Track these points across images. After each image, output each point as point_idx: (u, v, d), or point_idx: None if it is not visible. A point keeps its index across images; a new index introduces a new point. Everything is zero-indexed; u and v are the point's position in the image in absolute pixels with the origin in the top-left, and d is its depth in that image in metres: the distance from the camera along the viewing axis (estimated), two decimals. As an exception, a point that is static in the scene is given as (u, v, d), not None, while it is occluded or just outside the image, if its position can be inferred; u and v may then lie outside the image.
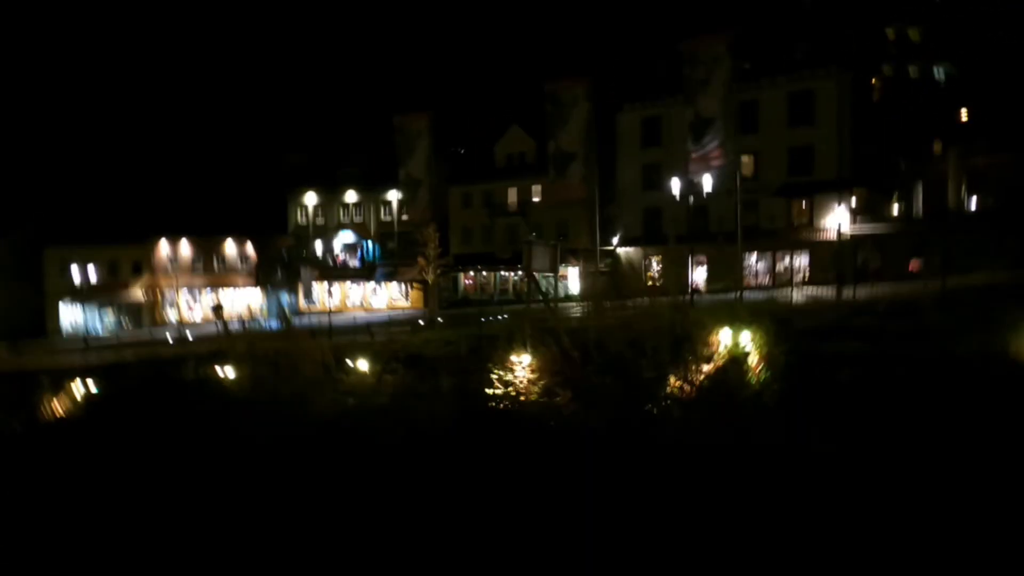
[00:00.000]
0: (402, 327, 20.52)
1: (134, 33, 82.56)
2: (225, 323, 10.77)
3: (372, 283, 44.80)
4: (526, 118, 40.82)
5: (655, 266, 34.09)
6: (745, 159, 29.62)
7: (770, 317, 11.44)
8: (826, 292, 16.01)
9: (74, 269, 48.82)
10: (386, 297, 45.08)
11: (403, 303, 44.42)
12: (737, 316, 11.71)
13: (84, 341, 30.48)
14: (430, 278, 30.39)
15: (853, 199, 29.49)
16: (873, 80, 31.62)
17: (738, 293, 14.04)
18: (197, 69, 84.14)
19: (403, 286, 44.25)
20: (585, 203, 35.75)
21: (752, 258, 31.47)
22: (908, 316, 11.61)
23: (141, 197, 50.82)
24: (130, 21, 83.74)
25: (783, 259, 31.13)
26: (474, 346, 14.53)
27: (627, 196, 34.81)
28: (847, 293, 13.16)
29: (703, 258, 32.98)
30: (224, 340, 11.68)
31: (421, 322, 25.95)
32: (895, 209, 32.26)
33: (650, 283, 34.39)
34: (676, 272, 33.50)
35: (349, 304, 45.14)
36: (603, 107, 33.32)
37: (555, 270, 15.30)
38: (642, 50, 36.60)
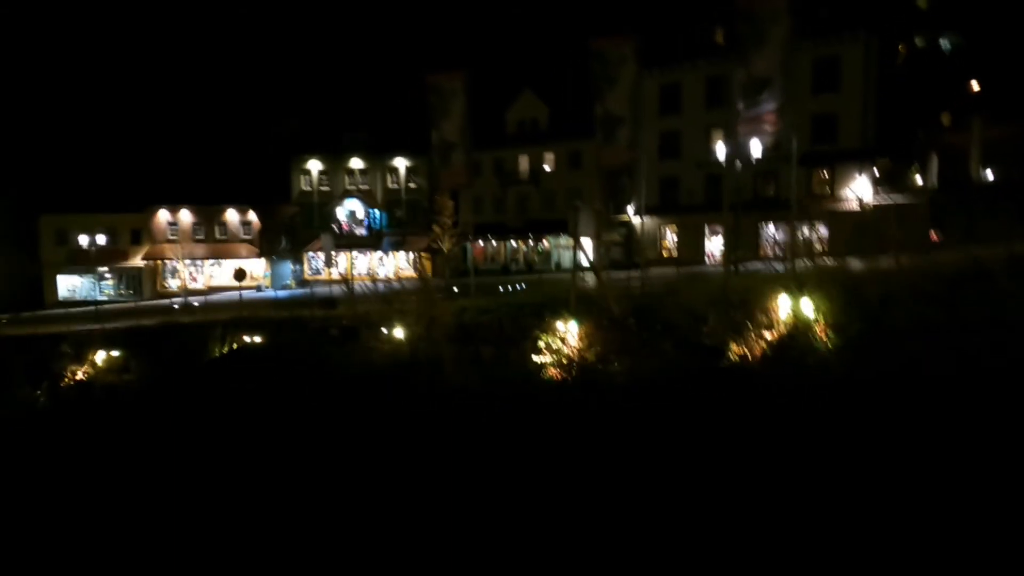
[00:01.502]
0: (364, 300, 19.92)
1: (123, -8, 79.69)
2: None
3: (379, 252, 44.25)
4: (538, 83, 39.83)
5: (670, 236, 33.74)
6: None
7: (828, 284, 10.97)
8: (870, 262, 15.55)
9: (75, 236, 47.93)
10: (393, 266, 44.62)
11: (410, 273, 43.99)
12: (790, 283, 11.26)
13: (94, 308, 29.93)
14: (445, 247, 29.91)
15: (875, 169, 29.08)
16: (900, 47, 30.90)
17: (791, 263, 13.60)
18: (197, 34, 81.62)
19: (411, 255, 43.74)
20: (599, 171, 35.16)
21: (769, 228, 31.14)
22: (979, 283, 11.23)
23: (140, 164, 49.68)
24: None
25: (801, 230, 30.82)
26: (514, 314, 14.10)
27: (627, 165, 34.27)
28: (902, 261, 12.88)
29: (719, 228, 32.64)
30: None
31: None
32: (917, 180, 31.92)
33: (665, 253, 34.13)
34: (693, 242, 33.33)
35: (355, 273, 44.66)
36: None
37: (600, 236, 14.93)
38: (660, 14, 35.55)
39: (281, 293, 37.31)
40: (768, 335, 10.68)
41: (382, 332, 13.74)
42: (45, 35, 76.19)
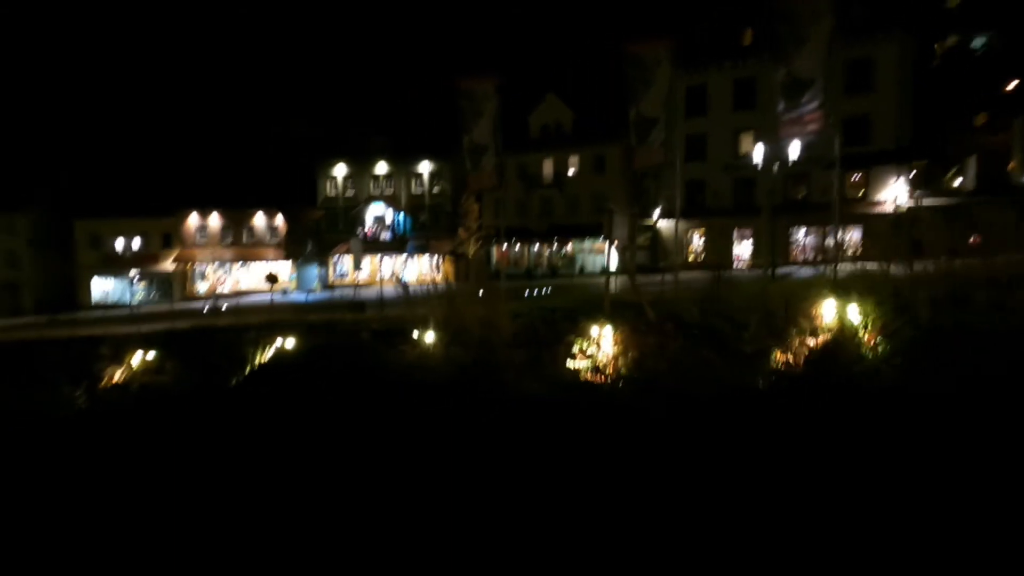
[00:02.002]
0: (425, 301, 19.89)
1: (161, 3, 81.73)
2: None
3: (403, 256, 44.55)
4: (562, 86, 39.74)
5: (697, 240, 33.32)
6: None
7: (873, 288, 10.63)
8: (910, 266, 15.10)
9: (108, 241, 49.14)
10: (417, 270, 44.86)
11: (435, 276, 44.20)
12: (832, 288, 10.94)
13: (130, 311, 30.58)
14: (470, 251, 29.96)
15: (911, 171, 28.37)
16: (936, 46, 30.15)
17: (832, 266, 13.25)
18: (225, 42, 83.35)
19: (435, 259, 43.94)
20: (623, 175, 34.92)
21: (800, 233, 30.61)
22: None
23: (170, 169, 50.77)
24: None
25: (833, 234, 30.20)
26: (546, 318, 13.93)
27: (668, 167, 33.91)
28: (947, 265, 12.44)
29: (747, 232, 32.19)
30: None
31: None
32: (955, 182, 31.08)
33: (691, 257, 33.71)
34: (720, 246, 32.87)
35: (379, 277, 44.99)
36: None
37: (634, 239, 14.78)
38: (686, 16, 35.24)
39: (307, 296, 37.75)
40: (812, 342, 10.40)
41: (412, 337, 13.69)
42: (81, 47, 78.43)
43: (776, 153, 15.22)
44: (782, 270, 20.60)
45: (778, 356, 10.42)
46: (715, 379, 9.68)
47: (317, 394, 7.17)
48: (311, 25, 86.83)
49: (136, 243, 48.62)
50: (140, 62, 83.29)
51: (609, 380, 10.75)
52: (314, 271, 48.01)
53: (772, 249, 21.03)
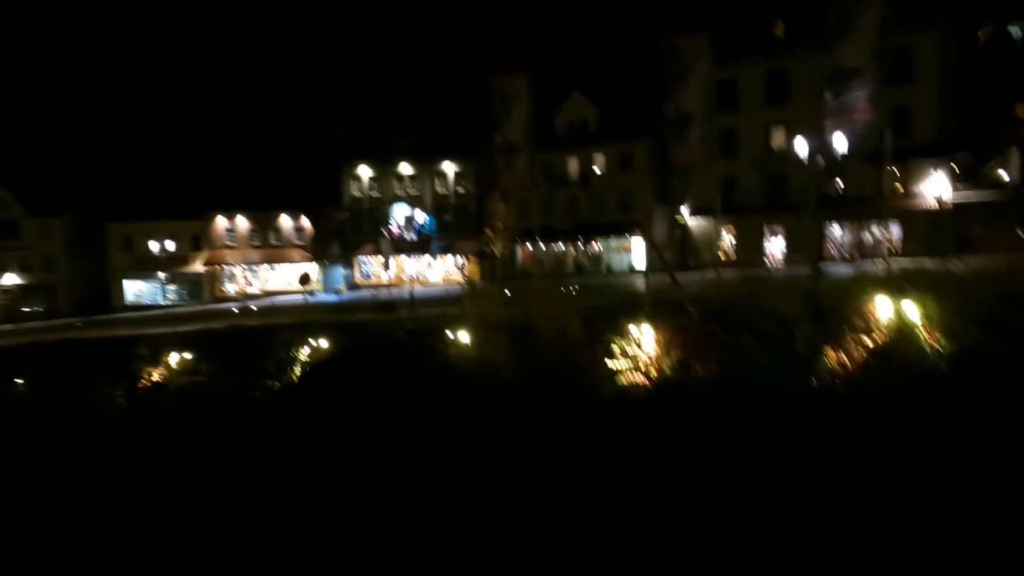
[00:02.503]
0: (488, 299, 19.80)
1: (184, 6, 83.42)
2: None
3: (428, 256, 44.59)
4: (587, 84, 39.32)
5: (727, 238, 32.70)
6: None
7: (930, 285, 10.05)
8: (957, 262, 14.48)
9: (140, 243, 50.16)
10: (442, 270, 44.86)
11: (459, 276, 44.14)
12: (883, 284, 10.39)
13: (164, 312, 31.05)
14: (498, 250, 29.82)
15: (953, 164, 27.38)
16: (979, 34, 29.08)
17: (872, 262, 12.76)
18: (253, 44, 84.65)
19: (459, 259, 43.90)
20: (650, 172, 34.44)
21: (836, 229, 29.79)
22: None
23: (199, 172, 51.61)
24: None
25: (870, 230, 29.31)
26: (585, 317, 13.59)
27: (699, 163, 33.28)
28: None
29: (778, 229, 31.48)
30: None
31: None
32: (1002, 175, 29.92)
33: (722, 255, 33.09)
34: (751, 243, 32.18)
35: (404, 277, 45.13)
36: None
37: (672, 236, 14.43)
38: (716, 9, 34.56)
39: (338, 297, 38.05)
40: (867, 341, 9.96)
41: (448, 336, 13.53)
42: (113, 56, 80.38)
43: (816, 146, 14.72)
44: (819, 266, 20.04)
45: (831, 356, 9.97)
46: (770, 381, 9.26)
47: (389, 401, 6.97)
48: (334, 26, 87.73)
49: (167, 245, 49.59)
50: (169, 69, 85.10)
51: (653, 381, 10.36)
52: (340, 272, 48.38)
53: (815, 245, 20.47)
